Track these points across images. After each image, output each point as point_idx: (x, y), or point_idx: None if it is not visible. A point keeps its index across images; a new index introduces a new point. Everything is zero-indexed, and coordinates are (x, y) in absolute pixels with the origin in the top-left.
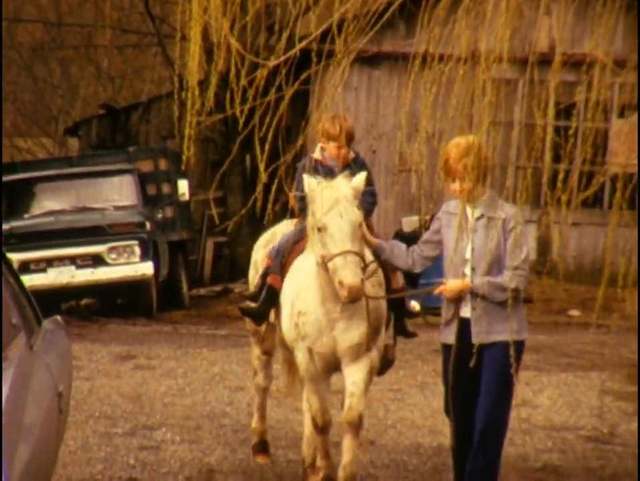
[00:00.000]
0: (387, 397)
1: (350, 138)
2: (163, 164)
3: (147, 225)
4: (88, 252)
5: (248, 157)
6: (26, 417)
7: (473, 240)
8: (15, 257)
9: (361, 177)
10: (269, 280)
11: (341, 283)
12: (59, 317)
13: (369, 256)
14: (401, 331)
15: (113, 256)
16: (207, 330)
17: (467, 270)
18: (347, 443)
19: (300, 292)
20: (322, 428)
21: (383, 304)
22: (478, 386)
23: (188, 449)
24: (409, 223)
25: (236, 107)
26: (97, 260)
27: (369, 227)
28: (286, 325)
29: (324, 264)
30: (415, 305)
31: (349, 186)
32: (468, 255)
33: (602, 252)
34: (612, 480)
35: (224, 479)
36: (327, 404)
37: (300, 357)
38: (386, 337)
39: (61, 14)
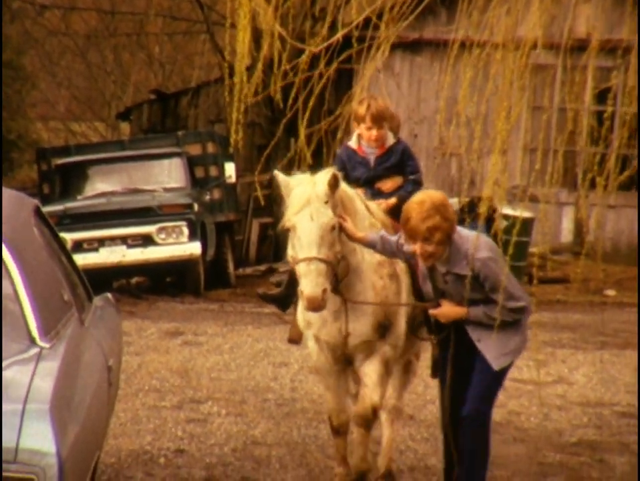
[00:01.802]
0: (427, 373)
1: (380, 118)
2: (211, 148)
3: (196, 206)
4: (138, 232)
5: (292, 141)
6: (77, 390)
7: (448, 291)
8: (69, 237)
9: (328, 175)
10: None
11: (301, 292)
12: (109, 295)
13: (361, 252)
14: (430, 328)
15: (163, 236)
16: (252, 308)
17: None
18: (357, 438)
19: None
20: (337, 429)
21: (394, 298)
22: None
23: (234, 422)
24: None
25: (277, 90)
26: (147, 240)
27: None
28: (299, 312)
29: (293, 265)
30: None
31: (325, 183)
32: (448, 296)
33: (638, 233)
34: None
35: (268, 451)
36: (343, 403)
37: (310, 346)
38: (411, 352)
39: (115, 2)
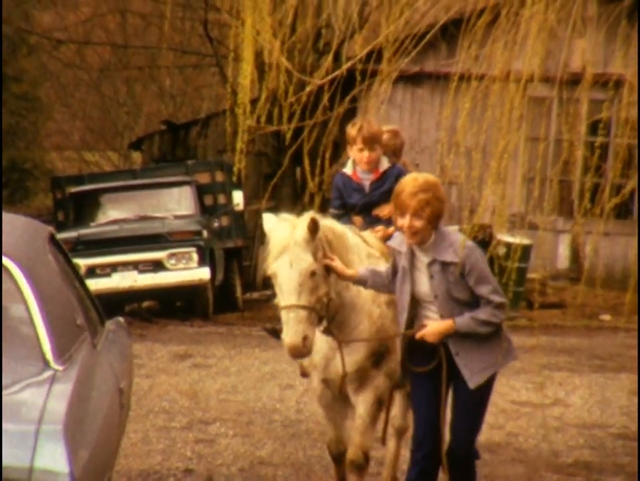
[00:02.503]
0: None
1: (372, 140)
2: (219, 176)
3: (205, 233)
4: (149, 258)
5: (298, 170)
6: (89, 411)
7: (432, 287)
8: (82, 262)
9: (307, 219)
10: None
11: (283, 340)
12: (121, 318)
13: (357, 286)
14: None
15: (173, 261)
16: (259, 331)
17: (433, 312)
18: None
19: None
20: (336, 458)
21: (391, 325)
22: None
23: (241, 443)
24: None
25: (284, 123)
26: (157, 266)
27: None
28: None
29: (279, 312)
30: None
31: (304, 227)
32: (431, 299)
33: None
34: None
35: (274, 471)
36: (342, 433)
37: (315, 385)
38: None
39: (127, 37)
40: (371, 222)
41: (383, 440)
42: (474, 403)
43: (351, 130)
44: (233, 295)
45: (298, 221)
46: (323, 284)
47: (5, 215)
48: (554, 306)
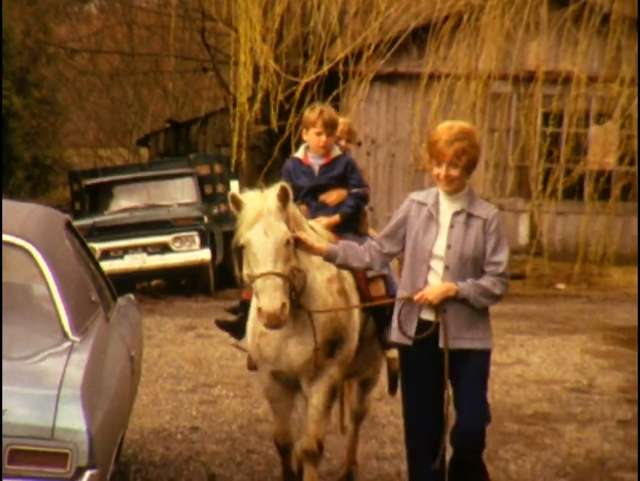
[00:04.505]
0: None
1: (331, 125)
2: (217, 168)
3: (205, 219)
4: (157, 242)
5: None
6: (104, 377)
7: (449, 236)
8: (98, 246)
9: (277, 188)
10: (243, 294)
11: (259, 310)
12: (131, 295)
13: (312, 271)
14: (382, 342)
15: (178, 244)
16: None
17: (438, 268)
18: (305, 475)
19: None
20: (283, 449)
21: (344, 314)
22: (437, 390)
23: (240, 403)
24: None
25: (274, 119)
26: (164, 248)
27: (363, 215)
28: (250, 343)
29: (250, 283)
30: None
31: (275, 196)
32: (441, 252)
33: (578, 234)
34: (590, 423)
35: (270, 427)
36: (288, 425)
37: (263, 378)
38: (371, 369)
39: (134, 46)
40: (317, 208)
41: (342, 429)
42: (476, 375)
43: (311, 114)
44: (231, 273)
45: (269, 192)
46: (293, 256)
47: (25, 205)
48: (516, 277)
